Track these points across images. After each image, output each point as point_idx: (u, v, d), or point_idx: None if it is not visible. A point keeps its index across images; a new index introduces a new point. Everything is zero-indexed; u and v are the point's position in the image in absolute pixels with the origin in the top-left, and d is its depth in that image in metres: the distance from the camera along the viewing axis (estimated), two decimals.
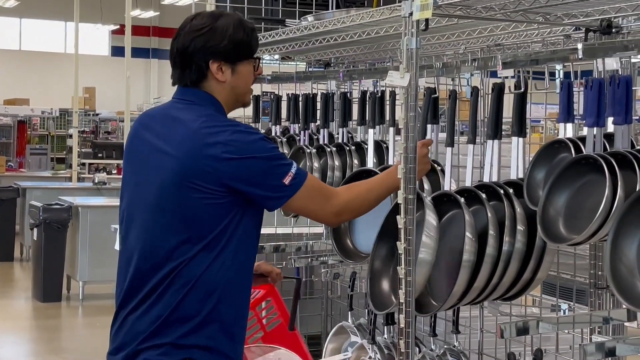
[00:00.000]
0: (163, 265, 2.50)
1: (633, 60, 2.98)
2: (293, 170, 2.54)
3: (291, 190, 2.54)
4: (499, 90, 3.07)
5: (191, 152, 2.48)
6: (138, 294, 2.53)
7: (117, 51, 23.93)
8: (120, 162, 6.30)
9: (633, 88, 2.67)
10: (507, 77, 3.08)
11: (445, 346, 3.48)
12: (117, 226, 3.03)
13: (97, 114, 19.22)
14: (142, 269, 2.54)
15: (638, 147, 2.66)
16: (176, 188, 2.50)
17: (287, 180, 2.52)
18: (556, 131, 2.98)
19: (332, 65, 4.73)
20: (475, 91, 3.20)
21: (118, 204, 2.72)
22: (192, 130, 2.51)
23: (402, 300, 2.78)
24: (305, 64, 4.92)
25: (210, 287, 2.50)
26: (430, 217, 2.93)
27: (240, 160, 2.48)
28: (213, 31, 2.59)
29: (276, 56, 4.86)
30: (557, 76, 2.95)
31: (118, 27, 22.80)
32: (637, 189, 2.49)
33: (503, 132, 3.14)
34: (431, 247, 2.89)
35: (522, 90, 3.00)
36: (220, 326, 2.52)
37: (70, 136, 16.68)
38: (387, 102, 3.82)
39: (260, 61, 2.73)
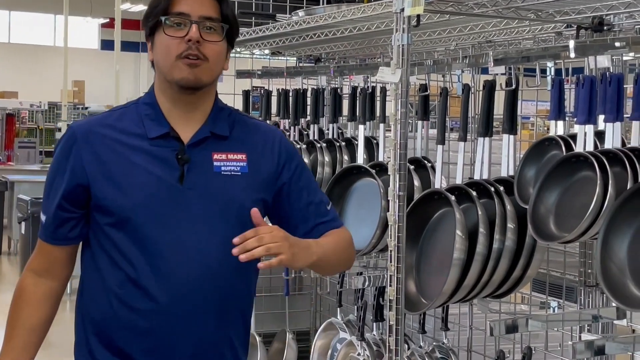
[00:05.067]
0: None
1: (624, 57, 2.98)
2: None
3: None
4: (490, 87, 3.06)
5: None
6: None
7: (107, 45, 23.87)
8: None
9: (624, 86, 2.67)
10: (497, 74, 3.07)
11: (434, 343, 3.48)
12: None
13: (86, 108, 19.11)
14: None
15: (629, 145, 2.65)
16: None
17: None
18: (545, 128, 2.97)
19: (322, 60, 4.70)
20: (466, 88, 3.19)
21: None
22: None
23: (391, 298, 2.77)
24: (295, 59, 4.90)
25: None
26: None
27: None
28: None
29: (266, 51, 4.84)
30: (548, 73, 2.94)
31: (108, 20, 22.76)
32: (628, 188, 2.48)
33: (494, 129, 3.13)
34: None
35: (514, 87, 2.99)
36: None
37: (59, 129, 16.58)
38: (378, 98, 3.81)
39: (174, 22, 2.07)
